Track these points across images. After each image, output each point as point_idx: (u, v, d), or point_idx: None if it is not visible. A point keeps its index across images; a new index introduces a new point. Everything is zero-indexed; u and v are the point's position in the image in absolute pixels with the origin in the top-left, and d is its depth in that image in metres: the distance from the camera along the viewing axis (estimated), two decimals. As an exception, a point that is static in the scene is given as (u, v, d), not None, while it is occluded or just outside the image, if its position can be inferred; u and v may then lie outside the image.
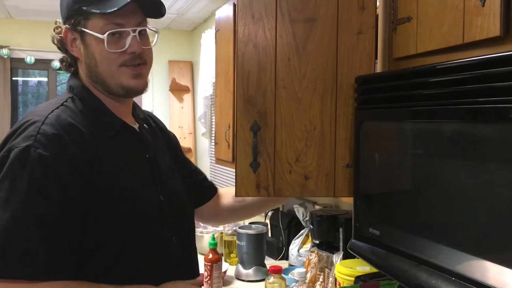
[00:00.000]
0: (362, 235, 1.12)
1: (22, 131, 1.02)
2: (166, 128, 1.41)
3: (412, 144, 1.01)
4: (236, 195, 1.20)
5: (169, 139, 1.37)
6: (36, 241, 0.96)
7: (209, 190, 1.46)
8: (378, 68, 1.23)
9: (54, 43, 1.15)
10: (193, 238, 1.28)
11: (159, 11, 1.12)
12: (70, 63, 1.17)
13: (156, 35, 1.17)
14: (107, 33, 1.06)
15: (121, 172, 1.10)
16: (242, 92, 1.19)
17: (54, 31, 1.15)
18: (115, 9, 1.03)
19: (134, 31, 1.08)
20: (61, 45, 1.14)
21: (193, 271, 1.23)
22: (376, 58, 1.22)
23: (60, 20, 1.15)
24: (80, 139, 1.05)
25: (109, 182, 1.06)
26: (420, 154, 0.99)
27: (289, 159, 1.20)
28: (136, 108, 1.26)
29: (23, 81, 5.19)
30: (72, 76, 1.18)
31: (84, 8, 1.07)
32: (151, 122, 1.30)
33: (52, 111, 1.06)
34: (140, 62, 1.11)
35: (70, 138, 1.03)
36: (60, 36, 1.13)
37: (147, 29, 1.13)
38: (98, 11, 1.05)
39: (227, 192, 1.45)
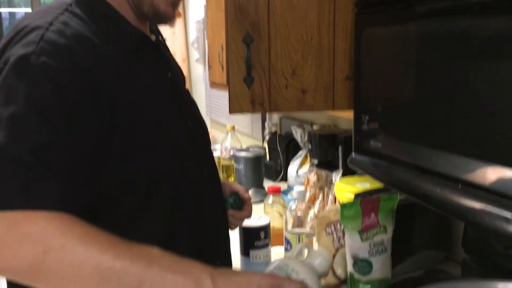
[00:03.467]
0: (363, 148, 1.08)
1: (20, 38, 0.79)
2: None
3: (416, 48, 0.94)
4: (230, 112, 1.14)
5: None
6: (33, 169, 0.72)
7: None
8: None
9: None
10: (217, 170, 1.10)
11: None
12: None
13: None
14: None
15: (146, 97, 0.89)
16: (232, 1, 1.10)
17: None
18: None
19: None
20: None
21: (224, 212, 1.10)
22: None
23: None
24: (96, 54, 0.81)
25: (133, 111, 0.84)
26: (424, 58, 0.92)
27: (285, 73, 1.13)
28: None
29: (10, 13, 5.00)
30: None
31: None
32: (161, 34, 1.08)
33: (57, 17, 0.82)
34: None
35: (84, 51, 0.79)
36: None
37: None
38: None
39: None
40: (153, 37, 1.01)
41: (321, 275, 0.92)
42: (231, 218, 1.14)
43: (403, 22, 0.95)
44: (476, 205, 0.75)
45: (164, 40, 1.07)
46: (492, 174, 0.76)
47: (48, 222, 0.69)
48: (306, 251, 0.96)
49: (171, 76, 1.00)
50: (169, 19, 0.96)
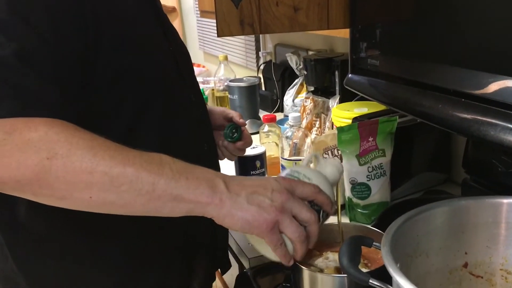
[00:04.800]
0: (360, 67, 1.02)
1: None
2: None
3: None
4: (218, 35, 1.07)
5: None
6: (23, 74, 0.67)
7: None
8: None
9: None
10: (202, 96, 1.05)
11: None
12: None
13: None
14: None
15: (126, 14, 0.82)
16: None
17: None
18: None
19: None
20: None
21: (212, 137, 1.05)
22: None
23: None
24: None
25: (117, 26, 0.79)
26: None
27: (275, -12, 1.05)
28: None
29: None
30: None
31: None
32: None
33: None
34: None
35: None
36: None
37: None
38: None
39: None
40: None
41: (332, 184, 0.86)
42: (233, 150, 1.10)
43: None
44: (480, 118, 0.71)
45: None
46: (497, 85, 0.71)
47: (49, 128, 0.64)
48: (315, 161, 0.90)
49: None
50: None
